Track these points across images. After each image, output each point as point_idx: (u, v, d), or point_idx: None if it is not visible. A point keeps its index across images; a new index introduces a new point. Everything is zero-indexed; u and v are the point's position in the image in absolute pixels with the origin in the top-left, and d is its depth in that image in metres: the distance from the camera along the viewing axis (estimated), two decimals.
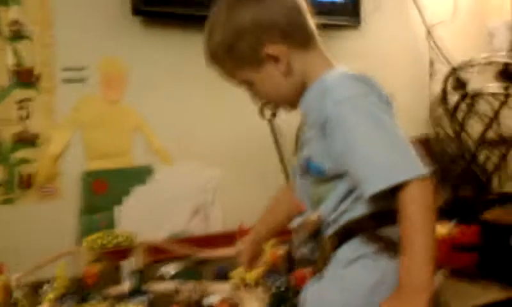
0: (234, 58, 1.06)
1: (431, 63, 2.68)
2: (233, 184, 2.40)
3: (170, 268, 1.45)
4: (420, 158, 0.93)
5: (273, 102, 1.15)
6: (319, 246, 1.03)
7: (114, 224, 2.13)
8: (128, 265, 1.40)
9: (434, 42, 2.65)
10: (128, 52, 2.22)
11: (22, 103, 2.05)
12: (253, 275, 1.34)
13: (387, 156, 0.92)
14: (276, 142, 2.20)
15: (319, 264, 1.03)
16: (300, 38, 1.06)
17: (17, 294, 1.30)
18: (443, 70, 2.63)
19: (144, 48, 2.25)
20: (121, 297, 1.17)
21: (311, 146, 1.03)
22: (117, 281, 1.40)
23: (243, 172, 2.43)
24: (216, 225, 2.37)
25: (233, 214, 2.33)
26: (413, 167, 0.91)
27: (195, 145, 2.36)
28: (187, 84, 2.33)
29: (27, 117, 2.06)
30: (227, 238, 2.12)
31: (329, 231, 1.02)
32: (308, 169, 1.03)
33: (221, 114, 2.40)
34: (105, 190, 2.17)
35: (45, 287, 1.34)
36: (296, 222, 1.08)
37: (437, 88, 2.59)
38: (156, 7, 2.20)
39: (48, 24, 2.10)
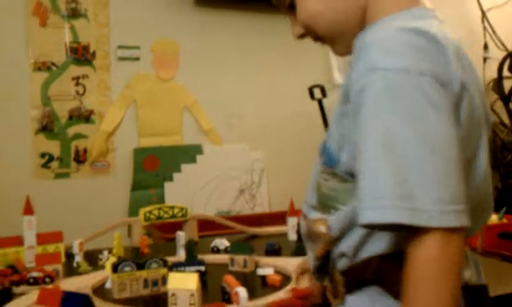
0: None
1: (485, 47, 2.61)
2: (279, 166, 2.41)
3: (222, 242, 1.47)
4: (464, 197, 0.62)
5: (319, 28, 0.79)
6: (329, 274, 0.77)
7: (164, 199, 2.19)
8: (182, 236, 1.43)
9: (489, 26, 2.58)
10: (181, 32, 2.25)
11: (78, 79, 2.11)
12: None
13: (411, 177, 0.60)
14: (325, 122, 2.19)
15: (329, 297, 0.78)
16: None
17: (78, 259, 1.35)
18: (498, 54, 2.56)
19: (197, 28, 2.27)
20: (178, 265, 1.20)
21: (332, 122, 0.75)
22: (171, 251, 1.44)
23: (289, 154, 2.43)
24: (262, 205, 2.40)
25: (278, 196, 2.35)
26: (445, 209, 0.60)
27: (243, 126, 2.38)
28: (237, 65, 2.35)
29: (83, 93, 2.12)
30: (273, 218, 2.15)
31: (343, 263, 0.74)
32: (322, 151, 0.76)
33: (270, 96, 2.41)
34: (156, 166, 2.21)
35: (104, 254, 1.38)
36: (302, 224, 0.80)
37: (492, 73, 2.52)
38: None
39: (104, 4, 2.15)
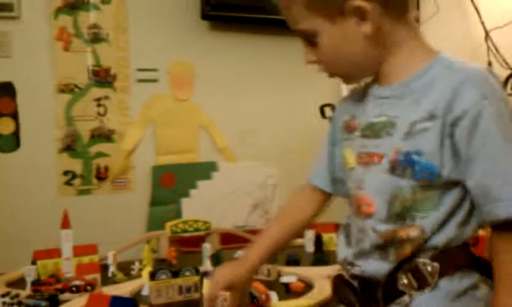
0: None
1: (489, 65, 2.70)
2: (291, 182, 2.48)
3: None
4: None
5: (332, 66, 0.89)
6: (409, 271, 0.87)
7: (181, 215, 2.26)
8: (208, 248, 1.51)
9: (493, 45, 2.67)
10: (196, 54, 2.35)
11: (99, 100, 2.21)
12: None
13: None
14: None
15: (399, 287, 0.87)
16: (399, 4, 0.86)
17: (113, 269, 1.43)
18: (501, 72, 2.65)
19: (211, 50, 2.37)
20: (209, 274, 1.28)
21: (423, 139, 0.83)
22: (196, 262, 1.51)
23: (300, 170, 2.50)
24: None
25: None
26: None
27: (256, 144, 2.47)
28: (250, 85, 2.44)
29: (104, 113, 2.21)
30: None
31: (434, 253, 0.86)
32: (410, 166, 0.84)
33: (281, 114, 2.50)
34: (173, 183, 2.30)
35: (136, 264, 1.46)
36: (372, 236, 0.88)
37: None
38: (223, 12, 2.32)
39: (124, 29, 2.26)
